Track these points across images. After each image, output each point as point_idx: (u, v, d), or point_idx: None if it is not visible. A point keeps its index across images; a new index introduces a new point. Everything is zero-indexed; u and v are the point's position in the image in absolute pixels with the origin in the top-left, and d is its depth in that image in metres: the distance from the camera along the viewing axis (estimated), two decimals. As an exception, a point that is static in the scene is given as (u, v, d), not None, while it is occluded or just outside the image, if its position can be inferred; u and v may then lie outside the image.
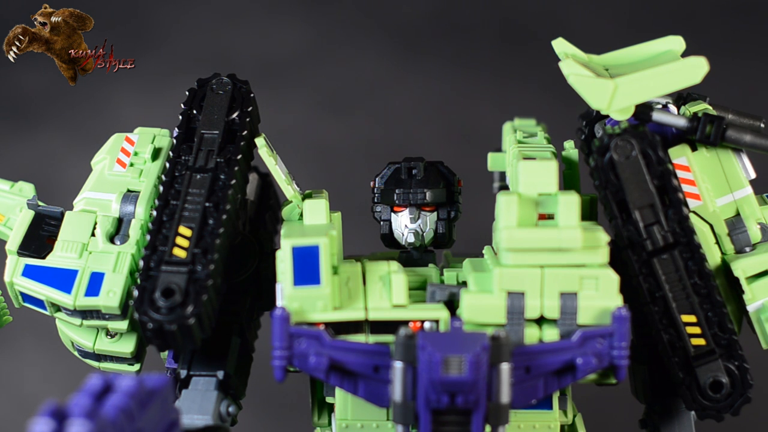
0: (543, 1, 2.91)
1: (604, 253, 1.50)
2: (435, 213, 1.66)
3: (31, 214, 1.64)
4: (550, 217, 1.50)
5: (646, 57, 1.63)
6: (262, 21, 2.89)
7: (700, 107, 1.65)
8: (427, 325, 1.51)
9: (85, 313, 1.59)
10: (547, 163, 1.53)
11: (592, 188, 1.58)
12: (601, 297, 1.49)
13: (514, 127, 1.82)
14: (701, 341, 1.55)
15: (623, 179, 1.54)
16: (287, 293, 1.50)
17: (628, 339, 1.48)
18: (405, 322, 1.50)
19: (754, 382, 1.56)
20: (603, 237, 1.50)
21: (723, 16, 2.87)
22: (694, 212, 1.59)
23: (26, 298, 1.62)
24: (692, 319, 1.55)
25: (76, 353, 1.68)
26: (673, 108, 1.64)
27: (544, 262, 1.49)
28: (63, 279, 1.58)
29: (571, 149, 1.68)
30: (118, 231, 1.62)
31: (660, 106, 1.62)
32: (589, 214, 1.63)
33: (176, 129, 1.62)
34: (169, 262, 1.51)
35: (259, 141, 1.62)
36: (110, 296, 1.57)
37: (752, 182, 1.61)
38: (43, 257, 1.61)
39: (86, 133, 2.74)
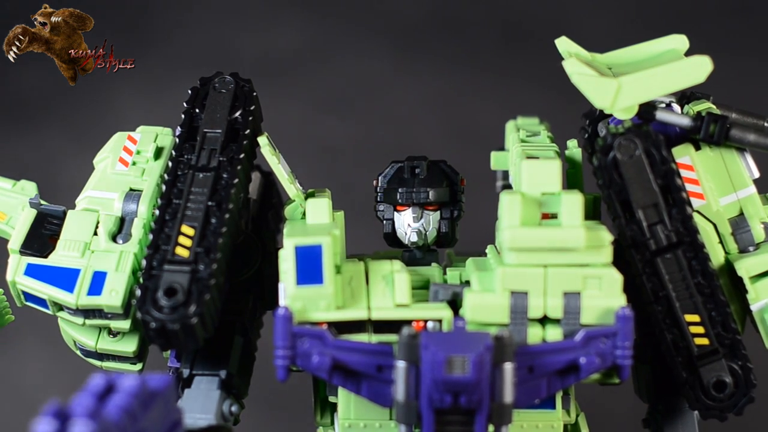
0: (546, 0, 2.91)
1: (608, 252, 1.50)
2: (438, 212, 1.66)
3: (33, 212, 1.64)
4: (554, 216, 1.50)
5: (650, 56, 1.62)
6: (263, 20, 2.89)
7: (704, 106, 1.64)
8: (430, 324, 1.51)
9: (88, 312, 1.59)
10: (550, 163, 1.52)
11: (596, 187, 1.58)
12: (605, 296, 1.49)
13: (517, 125, 1.81)
14: (705, 341, 1.55)
15: (627, 178, 1.53)
16: (290, 292, 1.50)
17: (631, 338, 1.48)
18: (408, 322, 1.50)
19: (757, 381, 1.56)
20: (606, 236, 1.50)
21: (727, 15, 2.87)
22: (698, 211, 1.59)
23: (28, 297, 1.62)
24: (696, 318, 1.55)
25: (78, 352, 1.68)
26: (676, 107, 1.64)
27: (548, 261, 1.49)
28: (65, 278, 1.58)
29: (574, 148, 1.68)
30: (121, 230, 1.62)
31: (663, 105, 1.62)
32: (592, 213, 1.63)
33: (179, 128, 1.61)
34: (172, 261, 1.51)
35: (262, 140, 1.62)
36: (113, 295, 1.56)
37: (756, 181, 1.61)
38: (46, 256, 1.60)
39: (88, 132, 2.74)
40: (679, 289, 1.54)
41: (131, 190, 1.63)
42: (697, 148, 1.61)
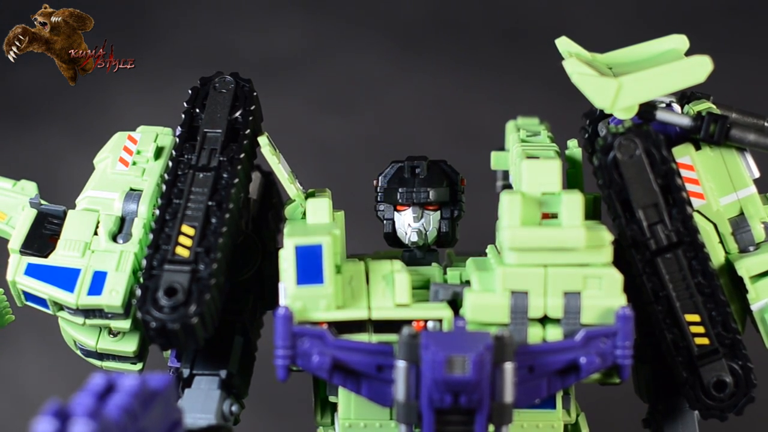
0: (547, 0, 2.91)
1: (608, 252, 1.50)
2: (438, 212, 1.66)
3: (33, 212, 1.64)
4: (554, 216, 1.50)
5: (650, 56, 1.62)
6: (263, 20, 2.89)
7: (704, 106, 1.64)
8: (430, 324, 1.51)
9: (88, 312, 1.59)
10: (550, 162, 1.52)
11: (596, 187, 1.58)
12: (605, 296, 1.49)
13: (518, 125, 1.81)
14: (705, 341, 1.55)
15: (627, 178, 1.53)
16: (290, 292, 1.50)
17: (631, 338, 1.48)
18: (408, 322, 1.50)
19: (757, 381, 1.56)
20: (606, 236, 1.50)
21: (727, 15, 2.87)
22: (698, 211, 1.59)
23: (29, 296, 1.62)
24: (696, 318, 1.55)
25: (78, 352, 1.68)
26: (676, 107, 1.64)
27: (548, 261, 1.49)
28: (66, 278, 1.58)
29: (574, 148, 1.68)
30: (121, 230, 1.62)
31: (664, 105, 1.62)
32: (592, 213, 1.63)
33: (179, 128, 1.61)
34: (172, 261, 1.51)
35: (262, 140, 1.62)
36: (113, 295, 1.56)
37: (756, 181, 1.61)
38: (46, 256, 1.60)
39: (89, 132, 2.74)
40: (680, 289, 1.54)
41: (131, 189, 1.63)
42: (697, 148, 1.61)
